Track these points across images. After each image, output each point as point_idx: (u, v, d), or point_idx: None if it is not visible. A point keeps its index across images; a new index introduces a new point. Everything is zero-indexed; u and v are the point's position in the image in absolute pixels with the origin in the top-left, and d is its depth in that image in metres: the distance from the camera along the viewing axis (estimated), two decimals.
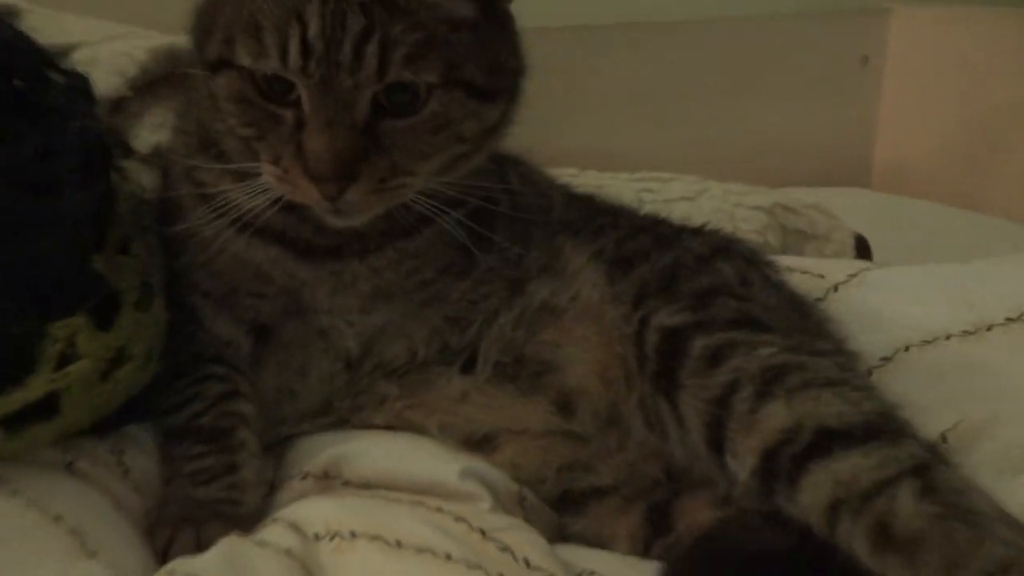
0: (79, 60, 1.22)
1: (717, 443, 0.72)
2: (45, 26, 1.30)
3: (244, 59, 0.71)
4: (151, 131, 1.18)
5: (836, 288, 1.00)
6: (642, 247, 0.91)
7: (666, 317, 0.80)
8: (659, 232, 0.95)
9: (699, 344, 0.76)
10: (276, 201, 0.77)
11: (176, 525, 0.74)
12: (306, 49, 0.68)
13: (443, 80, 0.72)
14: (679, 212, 1.51)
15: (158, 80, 1.22)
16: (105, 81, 1.19)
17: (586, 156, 1.68)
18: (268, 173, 0.74)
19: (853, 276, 1.00)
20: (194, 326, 0.86)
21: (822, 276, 1.01)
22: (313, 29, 0.68)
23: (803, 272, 1.09)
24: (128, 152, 1.18)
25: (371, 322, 0.86)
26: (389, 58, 0.69)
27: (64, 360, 0.74)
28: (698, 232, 0.97)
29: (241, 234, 0.81)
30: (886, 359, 0.89)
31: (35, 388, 0.70)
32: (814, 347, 0.77)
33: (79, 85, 0.86)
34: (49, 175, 0.79)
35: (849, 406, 0.67)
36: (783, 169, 1.86)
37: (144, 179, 1.07)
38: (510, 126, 0.82)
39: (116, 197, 0.88)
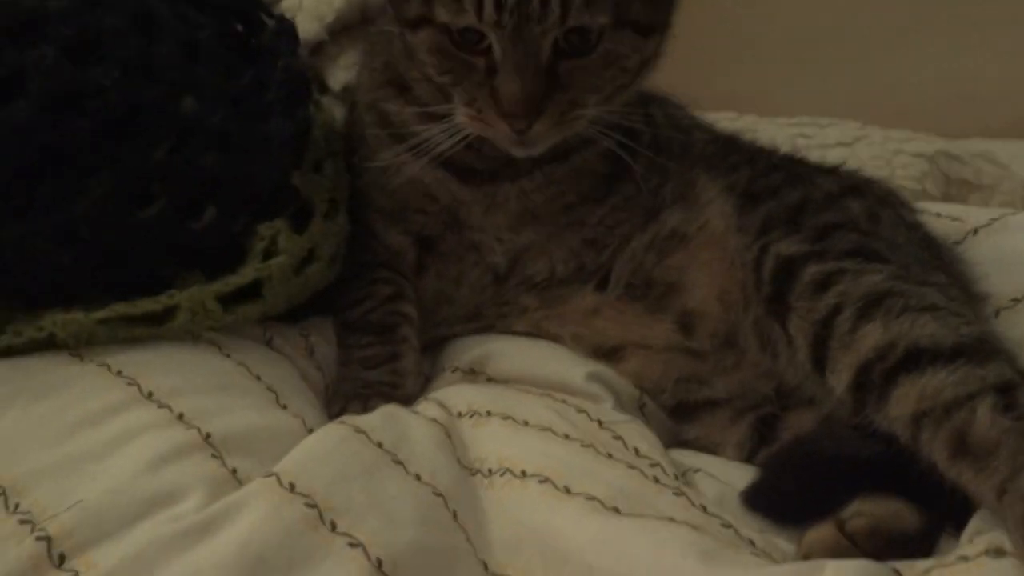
0: (285, 7, 1.40)
1: (820, 361, 0.77)
2: None
3: (443, 16, 0.81)
4: (344, 71, 1.35)
5: (976, 231, 1.00)
6: (773, 183, 0.96)
7: (785, 246, 0.86)
8: (793, 170, 1.00)
9: (811, 271, 0.81)
10: (461, 139, 0.88)
11: (348, 398, 0.89)
12: (499, 3, 0.78)
13: (614, 20, 0.81)
14: (834, 158, 1.51)
15: (352, 26, 1.38)
16: (306, 26, 1.36)
17: (747, 100, 1.69)
18: (462, 114, 0.85)
19: (995, 220, 1.00)
20: (369, 236, 1.00)
21: (961, 220, 1.01)
22: None
23: (952, 219, 1.10)
24: (324, 89, 1.36)
25: (518, 240, 0.97)
26: (570, 5, 0.78)
27: (268, 255, 0.91)
28: (832, 172, 1.01)
29: (416, 161, 0.93)
30: (1016, 300, 0.89)
31: (245, 275, 0.87)
32: (924, 278, 0.80)
33: (286, 29, 1.02)
34: (261, 104, 0.95)
35: (945, 329, 0.71)
36: (953, 118, 1.77)
37: (336, 112, 1.25)
38: (662, 58, 0.90)
39: (312, 125, 1.05)
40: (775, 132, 1.54)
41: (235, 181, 0.90)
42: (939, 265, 0.89)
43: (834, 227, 0.88)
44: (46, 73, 0.80)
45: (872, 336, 0.73)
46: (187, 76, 0.90)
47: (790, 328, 0.81)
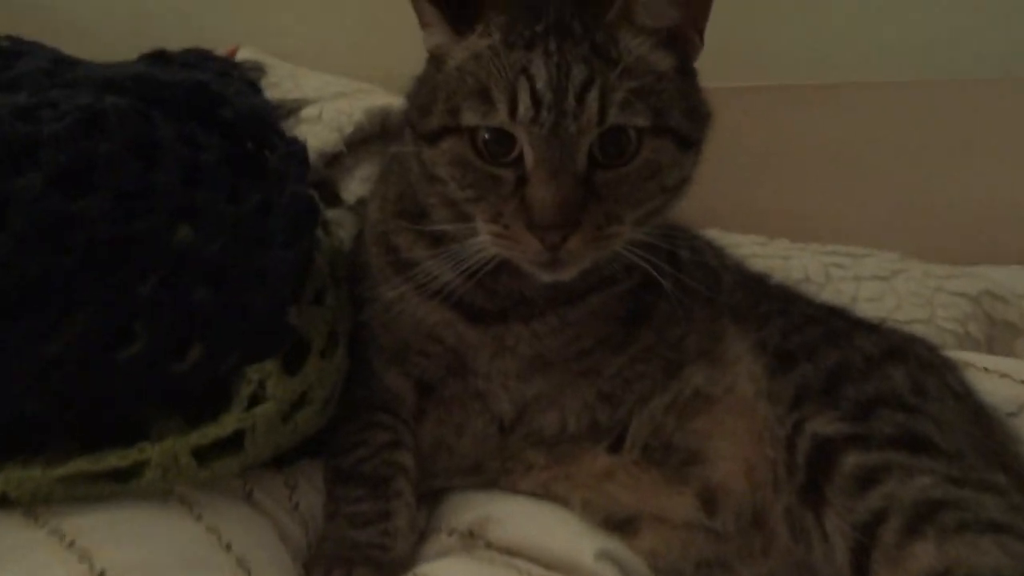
0: (305, 116, 1.37)
1: (861, 570, 0.68)
2: (283, 81, 1.48)
3: (471, 119, 0.76)
4: (360, 183, 1.31)
5: None
6: (809, 341, 0.88)
7: (822, 425, 0.77)
8: (831, 326, 0.92)
9: (852, 461, 0.73)
10: (466, 271, 0.81)
11: (331, 562, 0.81)
12: (535, 100, 0.72)
13: (653, 124, 0.75)
14: (869, 292, 1.43)
15: (370, 138, 1.35)
16: (324, 137, 1.32)
17: (777, 221, 1.62)
18: (485, 232, 0.78)
19: None
20: (368, 375, 0.94)
21: (1011, 377, 0.92)
22: (541, 81, 0.72)
23: (1002, 375, 1.01)
24: (337, 201, 1.31)
25: (527, 389, 0.90)
26: (608, 103, 0.73)
27: (254, 400, 0.83)
28: (874, 329, 0.93)
29: (420, 298, 0.87)
30: None
31: (226, 425, 0.80)
32: (983, 479, 0.71)
33: (296, 151, 0.97)
34: (262, 232, 0.90)
35: (1009, 559, 0.62)
36: (993, 244, 1.69)
37: (348, 225, 1.20)
38: (693, 182, 0.83)
39: (318, 252, 0.99)
40: (808, 260, 1.47)
41: (226, 318, 0.84)
42: (994, 449, 0.80)
43: (876, 402, 0.79)
44: (31, 203, 0.75)
45: (924, 558, 0.64)
46: (186, 203, 0.85)
47: (827, 524, 0.72)
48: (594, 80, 0.72)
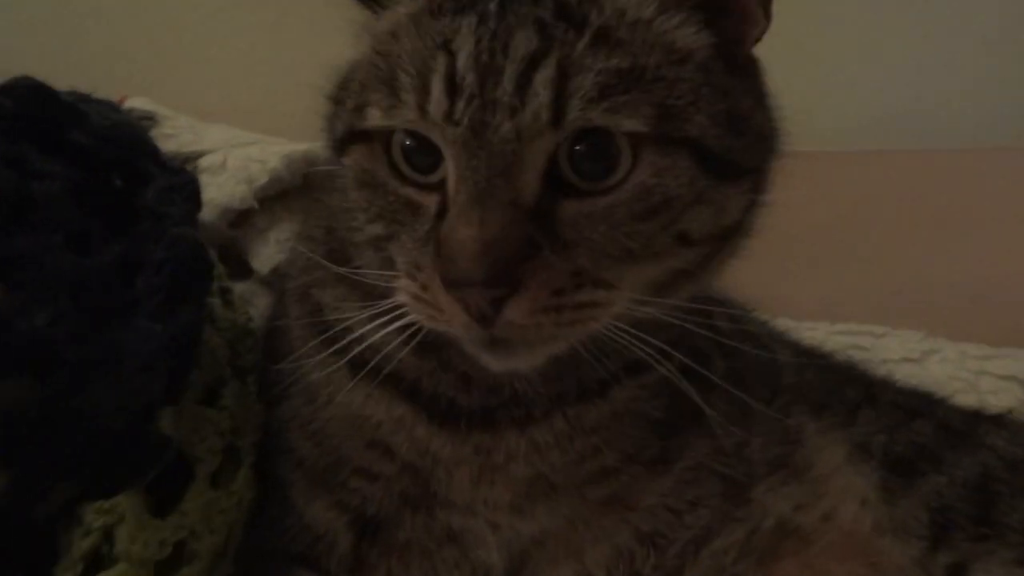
0: (205, 166, 1.08)
1: None
2: (181, 133, 1.19)
3: (375, 118, 0.51)
4: (276, 248, 1.02)
5: None
6: (926, 442, 0.63)
7: (1001, 572, 0.50)
8: (942, 418, 0.67)
9: None
10: (412, 336, 0.54)
11: None
12: (451, 86, 0.47)
13: (655, 130, 0.48)
14: (902, 376, 1.21)
15: (290, 191, 1.06)
16: (230, 190, 1.04)
17: (773, 299, 1.41)
18: (403, 290, 0.52)
19: None
20: (281, 510, 0.63)
21: None
22: (464, 56, 0.47)
23: None
24: (246, 272, 1.01)
25: (525, 528, 0.61)
26: (570, 90, 0.46)
27: (96, 561, 0.52)
28: (1001, 423, 0.68)
29: (360, 381, 0.58)
30: None
31: None
32: None
33: (182, 184, 0.68)
34: (122, 297, 0.60)
35: None
36: (1016, 322, 1.51)
37: (260, 304, 0.89)
38: (750, 234, 0.56)
39: (213, 328, 0.69)
40: (821, 341, 1.24)
41: (51, 426, 0.53)
42: None
43: None
44: None
45: None
46: None
47: None
48: (548, 52, 0.47)
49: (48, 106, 0.68)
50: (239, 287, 0.91)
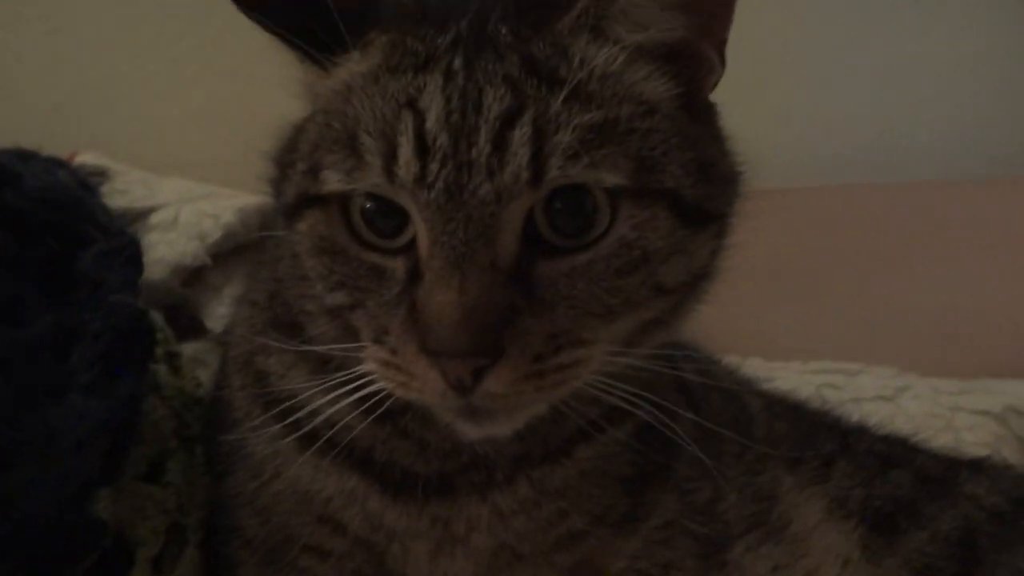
0: (156, 222, 1.05)
1: None
2: (133, 187, 1.16)
3: (332, 183, 0.48)
4: (231, 305, 0.98)
5: None
6: (905, 494, 0.60)
7: None
8: (920, 468, 0.64)
9: None
10: (372, 407, 0.51)
11: None
12: (422, 147, 0.45)
13: (633, 184, 0.46)
14: (875, 415, 1.19)
15: (245, 247, 1.03)
16: (182, 247, 1.01)
17: (746, 338, 1.39)
18: (371, 357, 0.49)
19: None
20: None
21: None
22: (433, 116, 0.45)
23: None
24: (199, 331, 0.98)
25: None
26: (549, 148, 0.45)
27: None
28: (979, 469, 0.66)
29: (307, 453, 0.55)
30: None
31: None
32: None
33: (121, 248, 0.65)
34: (55, 371, 0.56)
35: None
36: (984, 354, 1.51)
37: (213, 364, 0.86)
38: (715, 279, 0.54)
39: (157, 397, 0.65)
40: (794, 381, 1.22)
41: None
42: None
43: None
44: None
45: None
46: None
47: None
48: (523, 110, 0.45)
49: None
50: (191, 347, 0.87)
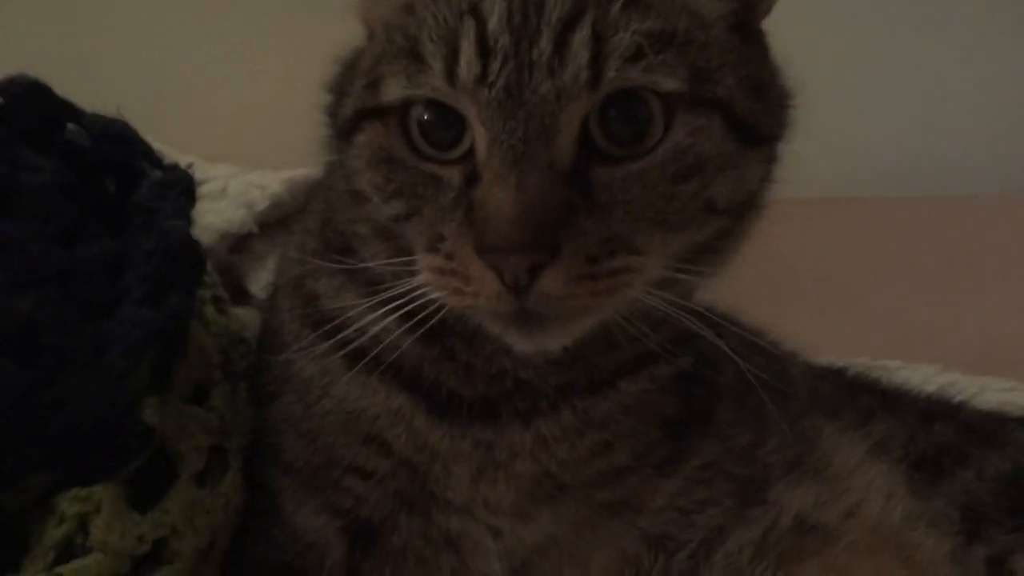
0: (206, 192, 1.07)
1: None
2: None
3: (394, 91, 0.49)
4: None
5: None
6: (949, 443, 0.59)
7: None
8: (965, 420, 0.63)
9: None
10: (418, 324, 0.51)
11: None
12: (484, 48, 0.46)
13: (691, 90, 0.47)
14: None
15: (291, 216, 1.05)
16: (229, 215, 1.03)
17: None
18: (425, 267, 0.49)
19: None
20: (270, 519, 0.59)
21: None
22: (495, 18, 0.46)
23: None
24: (244, 298, 0.99)
25: (528, 534, 0.57)
26: (608, 50, 0.45)
27: (68, 550, 0.48)
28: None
29: (357, 372, 0.56)
30: None
31: None
32: None
33: (176, 181, 0.67)
34: (109, 288, 0.58)
35: None
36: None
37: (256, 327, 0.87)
38: (762, 214, 0.54)
39: (203, 327, 0.67)
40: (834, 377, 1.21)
41: (31, 411, 0.50)
42: None
43: None
44: None
45: None
46: None
47: None
48: (583, 13, 0.46)
49: (42, 104, 0.67)
50: (236, 312, 0.89)
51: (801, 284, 1.58)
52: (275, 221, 1.04)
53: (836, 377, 0.71)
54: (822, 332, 1.47)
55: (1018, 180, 1.74)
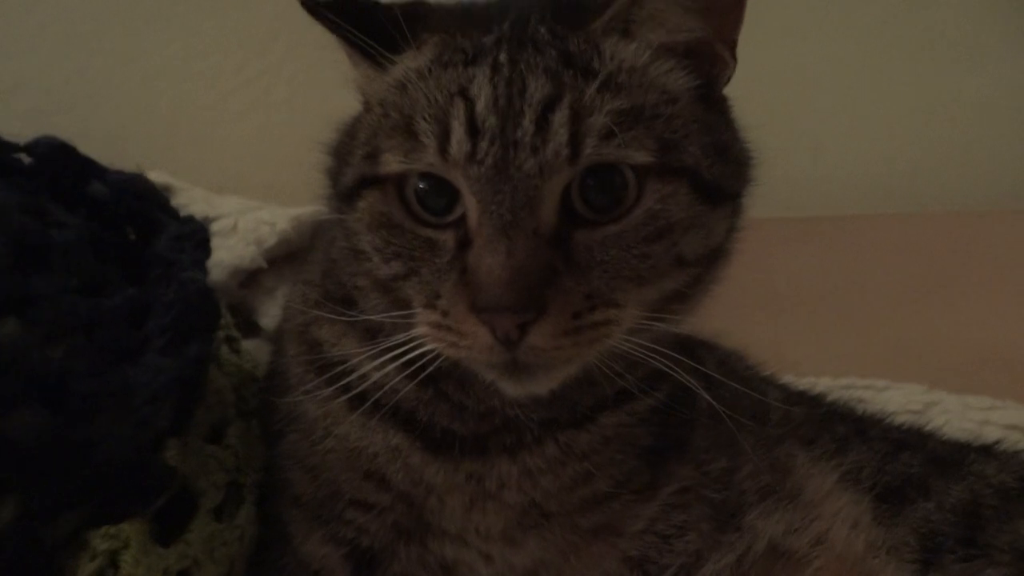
0: (217, 229, 1.12)
1: None
2: (194, 203, 1.24)
3: (392, 164, 0.54)
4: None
5: None
6: (913, 472, 0.63)
7: None
8: (932, 450, 0.68)
9: None
10: (417, 370, 0.56)
11: None
12: (473, 128, 0.51)
13: (659, 161, 0.52)
14: None
15: (298, 253, 1.10)
16: (240, 251, 1.07)
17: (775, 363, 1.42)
18: (422, 321, 0.55)
19: None
20: (280, 548, 0.64)
21: None
22: (483, 101, 0.51)
23: None
24: (254, 330, 1.04)
25: (517, 559, 0.62)
26: (584, 129, 0.51)
27: None
28: (990, 453, 0.69)
29: (355, 415, 0.60)
30: None
31: None
32: None
33: (191, 233, 0.72)
34: (131, 338, 0.63)
35: None
36: (1014, 383, 1.51)
37: (266, 358, 0.92)
38: (729, 260, 0.60)
39: (219, 369, 0.72)
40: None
41: (62, 455, 0.55)
42: None
43: None
44: None
45: None
46: (15, 288, 0.58)
47: None
48: (561, 96, 0.52)
49: (68, 161, 0.72)
50: (247, 344, 0.94)
51: (789, 302, 1.61)
52: (282, 257, 1.09)
53: (813, 403, 0.75)
54: (810, 349, 1.52)
55: (1003, 196, 1.77)
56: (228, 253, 1.07)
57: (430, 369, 0.56)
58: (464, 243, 0.52)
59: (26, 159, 0.72)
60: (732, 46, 0.58)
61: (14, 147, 0.71)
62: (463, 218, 0.53)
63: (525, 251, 0.50)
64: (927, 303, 1.62)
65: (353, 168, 0.57)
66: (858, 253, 1.63)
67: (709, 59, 0.58)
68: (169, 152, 1.63)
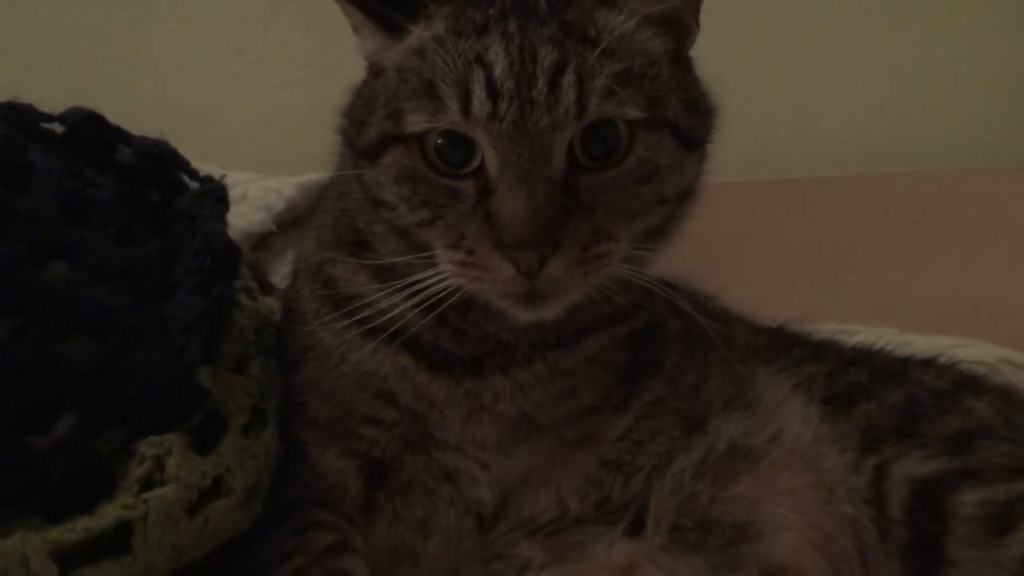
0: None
1: None
2: None
3: (417, 123, 0.62)
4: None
5: None
6: (859, 382, 0.72)
7: (915, 465, 0.60)
8: (877, 365, 0.76)
9: (970, 499, 0.55)
10: (432, 306, 0.65)
11: None
12: (492, 91, 0.59)
13: (648, 116, 0.61)
14: None
15: (304, 217, 1.18)
16: (251, 217, 1.16)
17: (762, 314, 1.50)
18: (447, 260, 0.62)
19: None
20: (300, 464, 0.72)
21: None
22: (500, 67, 0.59)
23: None
24: (266, 289, 1.12)
25: (510, 467, 0.70)
26: (588, 90, 0.59)
27: (148, 484, 0.61)
28: (930, 364, 0.77)
29: (367, 341, 0.68)
30: None
31: (105, 516, 0.57)
32: None
33: (213, 191, 0.80)
34: (164, 279, 0.71)
35: None
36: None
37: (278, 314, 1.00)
38: (697, 198, 0.68)
39: (240, 312, 0.80)
40: None
41: (110, 378, 0.63)
42: None
43: (968, 435, 0.62)
44: None
45: None
46: (62, 239, 0.66)
47: None
48: (568, 62, 0.60)
49: (97, 129, 0.80)
50: (264, 300, 1.02)
51: (774, 258, 1.68)
52: (290, 222, 1.17)
53: (775, 333, 0.83)
54: (794, 302, 1.59)
55: (979, 155, 1.84)
56: (240, 219, 1.15)
57: (445, 303, 0.63)
58: (484, 191, 0.60)
59: (59, 128, 0.80)
60: (696, 13, 0.67)
61: (49, 117, 0.79)
62: (481, 169, 0.61)
63: (542, 195, 0.58)
64: (904, 259, 1.68)
65: (375, 127, 0.65)
66: (840, 212, 1.71)
67: (680, 26, 0.66)
68: (175, 135, 1.70)
